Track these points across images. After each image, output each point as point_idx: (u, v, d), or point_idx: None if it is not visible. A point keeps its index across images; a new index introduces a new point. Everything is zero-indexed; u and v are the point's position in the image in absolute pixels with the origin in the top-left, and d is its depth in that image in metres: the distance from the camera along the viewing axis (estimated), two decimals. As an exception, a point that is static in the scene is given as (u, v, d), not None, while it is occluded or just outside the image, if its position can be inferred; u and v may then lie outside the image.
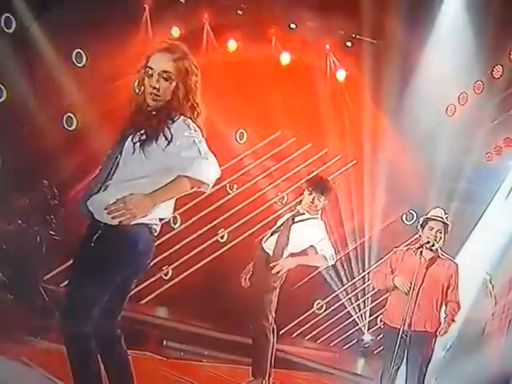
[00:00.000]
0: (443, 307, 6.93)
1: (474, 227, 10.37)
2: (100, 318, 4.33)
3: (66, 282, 4.51)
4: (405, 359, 6.69)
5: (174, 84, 4.22)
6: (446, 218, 6.89)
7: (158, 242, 10.60)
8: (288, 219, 7.21)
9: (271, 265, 6.96)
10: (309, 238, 7.05)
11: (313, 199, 7.09)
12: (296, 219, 7.17)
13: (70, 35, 9.80)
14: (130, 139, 4.22)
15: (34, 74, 9.96)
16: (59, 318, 4.42)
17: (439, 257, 6.97)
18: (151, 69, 4.21)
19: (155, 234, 4.41)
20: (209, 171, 4.08)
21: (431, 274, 6.95)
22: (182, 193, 4.07)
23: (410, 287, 6.71)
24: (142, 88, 4.26)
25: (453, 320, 6.95)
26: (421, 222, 6.97)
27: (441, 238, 6.97)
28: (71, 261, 4.41)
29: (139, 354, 8.21)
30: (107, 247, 4.26)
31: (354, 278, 11.67)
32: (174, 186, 4.05)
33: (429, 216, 6.90)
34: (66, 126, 10.57)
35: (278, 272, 7.01)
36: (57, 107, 10.33)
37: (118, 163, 4.24)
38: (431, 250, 7.00)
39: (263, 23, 11.08)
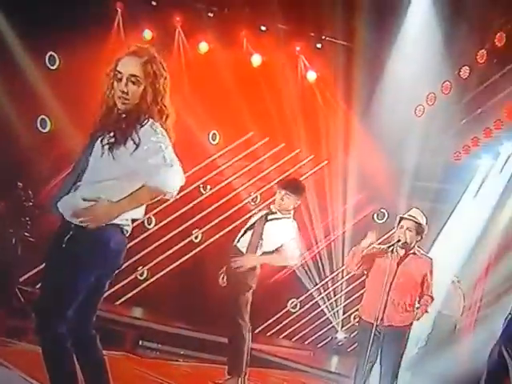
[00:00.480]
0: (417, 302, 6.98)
1: (443, 225, 10.42)
2: (75, 319, 4.31)
3: (40, 283, 4.49)
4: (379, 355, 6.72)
5: (142, 87, 4.18)
6: (426, 219, 6.94)
7: (132, 243, 10.60)
8: (261, 217, 7.14)
9: (232, 260, 6.90)
10: (280, 237, 7.00)
11: (283, 199, 7.04)
12: (269, 218, 7.11)
13: (43, 38, 9.71)
14: (99, 141, 4.17)
15: (7, 75, 9.84)
16: (34, 319, 4.41)
17: (414, 253, 7.01)
18: (120, 73, 4.15)
19: (127, 235, 4.39)
20: (173, 179, 4.04)
21: (403, 270, 6.95)
22: (146, 202, 4.09)
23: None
24: (112, 91, 4.23)
25: (426, 311, 6.99)
26: (397, 222, 7.04)
27: (411, 236, 7.02)
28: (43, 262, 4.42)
29: (115, 355, 8.12)
30: (78, 248, 4.19)
31: (326, 277, 11.63)
32: (139, 195, 4.06)
33: (402, 215, 6.97)
34: (39, 128, 10.48)
35: (252, 270, 7.00)
36: (31, 109, 10.22)
37: (87, 165, 4.21)
38: (403, 247, 7.05)
39: (234, 25, 11.03)
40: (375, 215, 11.64)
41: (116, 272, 4.37)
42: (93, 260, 4.23)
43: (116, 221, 4.16)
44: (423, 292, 6.96)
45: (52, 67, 10.47)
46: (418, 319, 6.96)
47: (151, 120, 4.13)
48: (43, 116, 10.51)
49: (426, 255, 7.10)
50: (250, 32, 11.23)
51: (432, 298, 7.00)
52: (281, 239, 7.01)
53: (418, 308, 6.91)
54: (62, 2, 9.33)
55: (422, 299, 6.95)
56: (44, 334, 4.31)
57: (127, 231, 4.30)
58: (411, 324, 6.92)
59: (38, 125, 10.48)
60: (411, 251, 7.06)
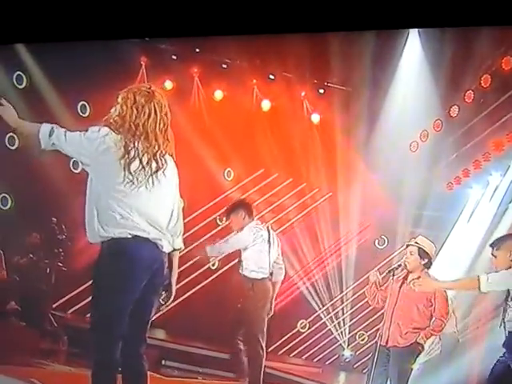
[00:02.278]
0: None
1: (438, 251, 10.02)
2: (126, 345, 3.90)
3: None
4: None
5: None
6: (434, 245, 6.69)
7: None
8: None
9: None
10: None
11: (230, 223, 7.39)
12: None
13: (76, 89, 9.69)
14: None
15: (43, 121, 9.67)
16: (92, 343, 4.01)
17: (418, 277, 6.65)
18: None
19: (162, 249, 4.05)
20: None
21: (405, 293, 6.68)
22: None
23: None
24: None
25: (432, 334, 6.64)
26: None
27: (414, 259, 6.75)
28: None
29: None
30: (109, 261, 3.97)
31: (333, 299, 11.33)
32: None
33: (408, 242, 6.77)
34: (72, 169, 10.20)
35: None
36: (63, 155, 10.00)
37: None
38: (403, 269, 6.82)
39: (245, 75, 10.96)
40: (376, 241, 11.35)
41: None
42: (120, 272, 3.94)
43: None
44: (434, 315, 6.61)
45: (83, 115, 10.32)
46: (425, 340, 6.59)
47: None
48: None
49: (433, 279, 6.71)
50: (260, 80, 11.15)
51: (442, 322, 6.59)
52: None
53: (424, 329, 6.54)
54: (93, 57, 9.16)
55: (434, 321, 6.60)
56: (97, 360, 3.94)
57: (162, 247, 4.06)
58: (418, 343, 6.53)
59: (71, 165, 10.20)
60: (417, 275, 6.75)
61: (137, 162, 4.09)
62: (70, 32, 6.63)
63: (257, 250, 7.30)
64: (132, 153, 4.07)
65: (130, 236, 3.99)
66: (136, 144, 4.09)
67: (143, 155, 4.10)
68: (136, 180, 4.07)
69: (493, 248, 6.08)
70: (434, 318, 6.57)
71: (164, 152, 4.23)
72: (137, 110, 4.16)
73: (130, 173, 4.05)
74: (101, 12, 6.47)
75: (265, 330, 7.10)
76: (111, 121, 4.17)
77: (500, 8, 5.54)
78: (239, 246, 7.34)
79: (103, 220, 4.02)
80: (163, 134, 4.26)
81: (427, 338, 6.61)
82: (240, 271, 7.24)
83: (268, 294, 7.16)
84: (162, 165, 4.19)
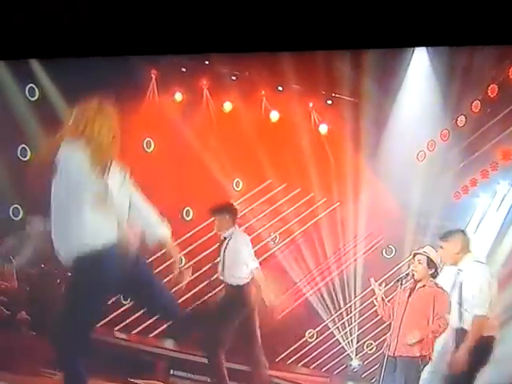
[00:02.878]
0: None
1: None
2: None
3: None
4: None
5: None
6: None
7: (165, 280, 10.07)
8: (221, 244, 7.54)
9: None
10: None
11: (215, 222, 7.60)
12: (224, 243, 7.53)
13: (87, 101, 9.43)
14: None
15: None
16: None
17: (424, 286, 6.54)
18: None
19: None
20: None
21: (412, 302, 6.58)
22: None
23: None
24: None
25: (436, 332, 6.56)
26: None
27: (422, 268, 6.65)
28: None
29: (149, 383, 7.89)
30: None
31: (340, 309, 11.17)
32: None
33: (416, 251, 6.68)
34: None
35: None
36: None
37: None
38: (411, 279, 6.71)
39: (254, 86, 10.91)
40: (383, 251, 11.17)
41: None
42: None
43: None
44: (434, 316, 6.49)
45: (96, 126, 10.16)
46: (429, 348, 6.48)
47: None
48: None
49: (439, 288, 6.60)
50: (269, 92, 11.08)
51: (442, 322, 6.47)
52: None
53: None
54: (104, 70, 9.15)
55: (433, 324, 6.49)
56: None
57: None
58: (424, 357, 6.40)
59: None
60: (422, 284, 6.65)
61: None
62: (81, 48, 6.63)
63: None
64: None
65: None
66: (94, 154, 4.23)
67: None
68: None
69: (441, 239, 6.04)
70: (434, 320, 6.46)
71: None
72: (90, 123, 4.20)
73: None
74: (112, 29, 6.47)
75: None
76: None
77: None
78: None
79: None
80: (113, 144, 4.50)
81: (432, 344, 6.50)
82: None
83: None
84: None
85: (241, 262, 7.41)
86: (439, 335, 6.58)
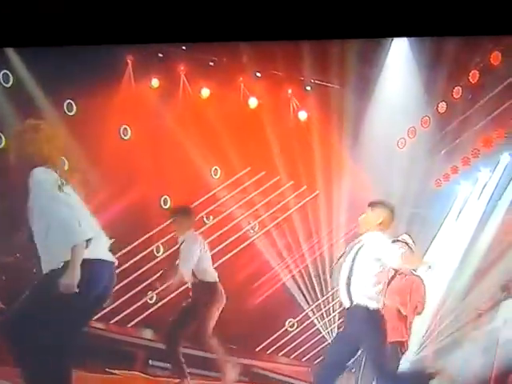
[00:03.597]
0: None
1: (427, 249, 10.05)
2: None
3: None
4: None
5: None
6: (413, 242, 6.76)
7: (143, 270, 10.36)
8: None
9: None
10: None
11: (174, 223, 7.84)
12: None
13: (62, 88, 9.62)
14: None
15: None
16: None
17: (402, 274, 6.73)
18: None
19: None
20: None
21: (391, 289, 6.75)
22: None
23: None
24: None
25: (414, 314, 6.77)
26: None
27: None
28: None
29: (128, 374, 7.96)
30: None
31: (320, 298, 11.28)
32: None
33: (394, 239, 6.82)
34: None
35: None
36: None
37: None
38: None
39: (232, 72, 10.91)
40: (364, 239, 11.15)
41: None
42: None
43: None
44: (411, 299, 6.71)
45: (70, 113, 10.30)
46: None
47: None
48: (62, 157, 10.19)
49: (415, 275, 6.80)
50: (247, 78, 11.08)
51: (420, 304, 6.71)
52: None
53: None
54: (79, 56, 9.18)
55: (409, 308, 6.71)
56: None
57: None
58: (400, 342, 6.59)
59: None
60: (400, 272, 6.83)
61: None
62: (55, 37, 6.67)
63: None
64: None
65: None
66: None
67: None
68: None
69: (369, 206, 6.08)
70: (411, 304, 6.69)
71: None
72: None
73: None
74: (87, 17, 6.51)
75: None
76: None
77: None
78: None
79: None
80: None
81: (407, 329, 6.69)
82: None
83: None
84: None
85: (192, 264, 7.61)
86: (414, 317, 6.83)
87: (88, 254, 4.40)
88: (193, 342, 7.88)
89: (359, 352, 6.04)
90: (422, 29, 5.92)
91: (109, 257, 4.60)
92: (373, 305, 5.84)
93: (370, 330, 5.81)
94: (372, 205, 6.06)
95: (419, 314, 6.91)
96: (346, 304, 6.00)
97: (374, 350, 5.86)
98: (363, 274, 5.87)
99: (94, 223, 4.61)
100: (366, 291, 5.84)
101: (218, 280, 7.74)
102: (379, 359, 5.83)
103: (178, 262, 7.71)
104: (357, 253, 5.96)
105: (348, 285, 5.91)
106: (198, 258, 7.66)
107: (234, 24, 6.33)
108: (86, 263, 4.36)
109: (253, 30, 6.34)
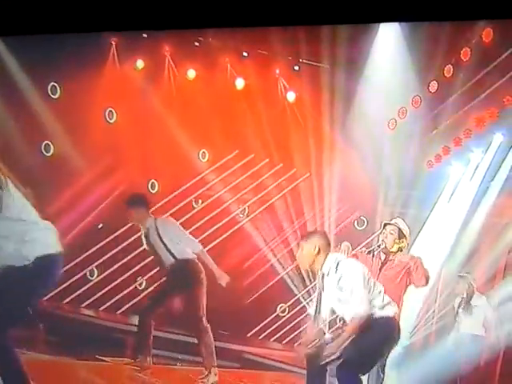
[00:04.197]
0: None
1: (419, 231, 10.15)
2: None
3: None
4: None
5: None
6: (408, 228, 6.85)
7: (132, 255, 10.49)
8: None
9: None
10: None
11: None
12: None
13: (45, 70, 9.65)
14: None
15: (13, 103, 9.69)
16: None
17: (394, 260, 6.85)
18: None
19: None
20: None
21: (385, 274, 6.86)
22: None
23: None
24: None
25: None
26: (381, 228, 7.00)
27: (393, 238, 6.93)
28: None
29: (118, 361, 8.03)
30: None
31: (312, 282, 11.31)
32: None
33: (386, 222, 6.94)
34: (44, 152, 10.28)
35: None
36: (35, 135, 10.04)
37: None
38: (384, 252, 6.98)
39: (218, 53, 10.91)
40: (355, 222, 11.36)
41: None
42: None
43: None
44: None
45: (54, 96, 10.30)
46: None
47: None
48: (47, 141, 10.25)
49: (411, 257, 6.94)
50: (233, 58, 11.09)
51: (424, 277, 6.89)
52: None
53: None
54: (62, 37, 9.17)
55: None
56: None
57: None
58: None
59: (42, 149, 10.26)
60: (394, 257, 6.93)
61: None
62: (39, 25, 6.71)
63: None
64: None
65: None
66: None
67: None
68: None
69: (302, 238, 6.06)
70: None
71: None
72: None
73: None
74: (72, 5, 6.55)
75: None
76: None
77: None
78: None
79: None
80: None
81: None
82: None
83: None
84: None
85: (175, 243, 7.73)
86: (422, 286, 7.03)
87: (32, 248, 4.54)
88: (186, 324, 7.94)
89: None
90: (412, 14, 5.99)
91: (54, 249, 4.72)
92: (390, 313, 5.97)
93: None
94: (303, 239, 6.07)
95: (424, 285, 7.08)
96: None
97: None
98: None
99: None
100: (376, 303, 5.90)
101: (197, 260, 7.80)
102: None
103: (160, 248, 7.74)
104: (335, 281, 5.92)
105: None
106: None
107: (222, 8, 6.39)
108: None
109: (241, 16, 6.40)
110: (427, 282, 7.02)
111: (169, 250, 7.67)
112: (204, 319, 7.64)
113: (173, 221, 8.03)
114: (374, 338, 5.82)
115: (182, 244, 7.74)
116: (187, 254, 7.73)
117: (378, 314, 5.81)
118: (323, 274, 5.89)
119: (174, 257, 7.68)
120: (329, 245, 5.92)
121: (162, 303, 7.90)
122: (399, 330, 6.00)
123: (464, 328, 8.80)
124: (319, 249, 5.83)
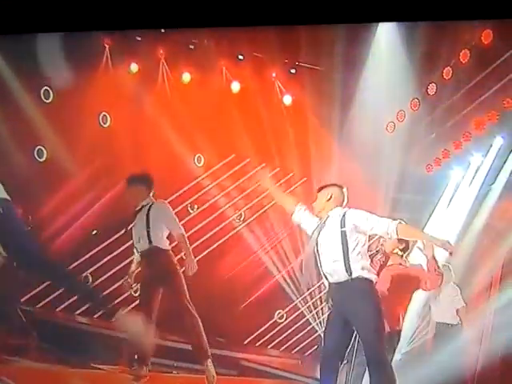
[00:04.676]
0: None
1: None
2: None
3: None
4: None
5: None
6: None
7: (127, 261, 10.49)
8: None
9: None
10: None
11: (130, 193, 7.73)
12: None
13: (38, 75, 9.70)
14: None
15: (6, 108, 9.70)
16: None
17: (393, 265, 6.90)
18: None
19: None
20: None
21: (385, 278, 6.89)
22: None
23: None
24: None
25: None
26: None
27: (392, 242, 6.97)
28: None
29: (114, 369, 8.05)
30: None
31: (310, 288, 11.22)
32: None
33: None
34: (36, 158, 10.25)
35: None
36: (28, 140, 10.03)
37: None
38: (382, 254, 7.02)
39: (213, 56, 10.90)
40: (354, 226, 11.24)
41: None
42: None
43: None
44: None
45: (47, 100, 10.27)
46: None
47: None
48: (40, 146, 10.27)
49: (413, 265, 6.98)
50: (229, 61, 11.12)
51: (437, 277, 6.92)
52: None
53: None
54: (56, 41, 9.21)
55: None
56: None
57: None
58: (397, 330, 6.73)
59: (35, 154, 10.23)
60: (393, 262, 6.97)
61: None
62: (30, 24, 6.73)
63: None
64: None
65: None
66: None
67: None
68: None
69: (317, 191, 6.25)
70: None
71: None
72: None
73: None
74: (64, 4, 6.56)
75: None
76: None
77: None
78: None
79: None
80: None
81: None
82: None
83: None
84: None
85: (157, 228, 7.63)
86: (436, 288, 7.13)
87: None
88: (174, 309, 7.89)
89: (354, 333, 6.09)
90: (410, 14, 6.03)
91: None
92: (372, 276, 5.95)
93: (368, 303, 5.91)
94: (319, 189, 6.25)
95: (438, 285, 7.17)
96: (342, 278, 5.98)
97: (372, 324, 5.89)
98: (354, 247, 5.99)
99: None
100: (362, 263, 5.94)
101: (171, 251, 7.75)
102: (374, 343, 5.89)
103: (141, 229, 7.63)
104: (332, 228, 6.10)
105: (346, 258, 5.94)
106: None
107: (217, 9, 6.42)
108: None
109: (236, 16, 6.43)
110: (439, 282, 7.11)
111: (148, 233, 7.56)
112: (190, 307, 7.54)
113: (168, 206, 7.81)
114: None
115: (164, 232, 7.62)
116: (163, 245, 7.63)
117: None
118: (328, 216, 6.09)
119: (150, 241, 7.57)
120: (342, 197, 6.21)
121: (149, 301, 7.81)
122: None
123: (437, 317, 8.90)
124: (331, 196, 6.16)
